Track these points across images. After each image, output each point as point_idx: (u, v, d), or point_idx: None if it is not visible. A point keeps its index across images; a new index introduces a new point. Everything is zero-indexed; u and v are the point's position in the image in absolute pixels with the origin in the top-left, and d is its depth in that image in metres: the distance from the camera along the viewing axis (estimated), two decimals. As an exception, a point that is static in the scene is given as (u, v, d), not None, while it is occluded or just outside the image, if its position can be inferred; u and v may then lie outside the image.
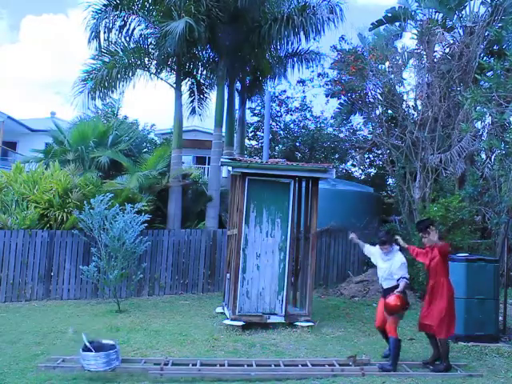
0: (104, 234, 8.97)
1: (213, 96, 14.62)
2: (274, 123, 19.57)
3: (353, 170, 20.64)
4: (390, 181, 17.57)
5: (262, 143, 18.54)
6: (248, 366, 5.54)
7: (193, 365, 5.49)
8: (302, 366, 5.64)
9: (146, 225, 9.47)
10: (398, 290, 5.66)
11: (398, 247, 6.08)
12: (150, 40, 13.03)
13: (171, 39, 10.98)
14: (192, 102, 14.84)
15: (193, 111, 14.95)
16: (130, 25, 12.50)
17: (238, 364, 5.61)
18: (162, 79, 13.56)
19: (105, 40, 12.21)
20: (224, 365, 5.55)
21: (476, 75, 10.09)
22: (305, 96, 19.80)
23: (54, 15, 75.55)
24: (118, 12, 12.12)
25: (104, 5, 12.00)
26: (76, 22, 63.90)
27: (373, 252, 6.28)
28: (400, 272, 5.80)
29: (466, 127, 9.17)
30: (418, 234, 6.48)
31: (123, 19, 12.33)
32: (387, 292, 5.83)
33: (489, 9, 11.48)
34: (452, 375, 5.56)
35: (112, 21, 12.11)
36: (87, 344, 5.21)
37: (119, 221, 8.94)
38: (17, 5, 72.57)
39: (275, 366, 5.58)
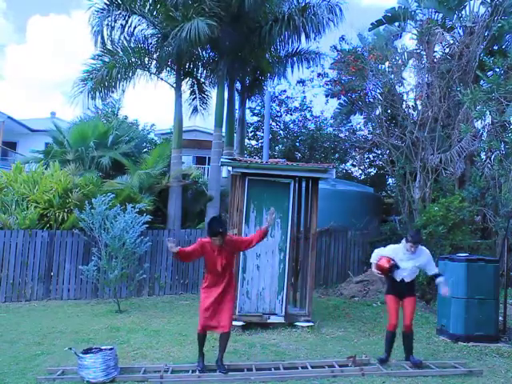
0: (105, 234, 8.97)
1: (214, 95, 14.66)
2: (273, 123, 19.58)
3: (353, 170, 20.67)
4: (390, 181, 17.59)
5: (262, 143, 18.55)
6: (248, 370, 5.50)
7: (193, 371, 5.46)
8: (302, 368, 5.62)
9: (146, 225, 9.48)
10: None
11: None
12: (150, 40, 13.05)
13: (179, 40, 10.99)
14: (193, 100, 14.84)
15: (195, 110, 14.96)
16: (131, 24, 12.51)
17: (238, 369, 5.56)
18: (162, 79, 13.58)
19: (107, 39, 12.19)
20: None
21: (477, 72, 10.09)
22: (305, 96, 19.84)
23: (56, 15, 75.69)
24: (119, 11, 12.13)
25: (106, 4, 12.00)
26: (78, 22, 64.18)
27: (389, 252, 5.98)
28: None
29: (465, 128, 9.17)
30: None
31: (124, 18, 12.34)
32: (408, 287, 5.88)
33: (489, 9, 11.48)
34: (452, 371, 5.56)
35: (114, 20, 12.12)
36: (79, 354, 5.20)
37: (120, 221, 8.95)
38: (22, 5, 72.69)
39: (275, 369, 5.55)
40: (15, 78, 65.62)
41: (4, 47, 70.26)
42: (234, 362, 5.81)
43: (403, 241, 5.90)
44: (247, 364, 5.71)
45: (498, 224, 9.86)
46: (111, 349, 5.36)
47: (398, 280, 5.84)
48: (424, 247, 6.03)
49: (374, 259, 6.01)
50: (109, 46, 12.57)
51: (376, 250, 6.12)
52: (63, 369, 5.46)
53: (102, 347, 5.42)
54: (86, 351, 5.29)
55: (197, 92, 14.72)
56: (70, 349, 5.51)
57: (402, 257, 5.82)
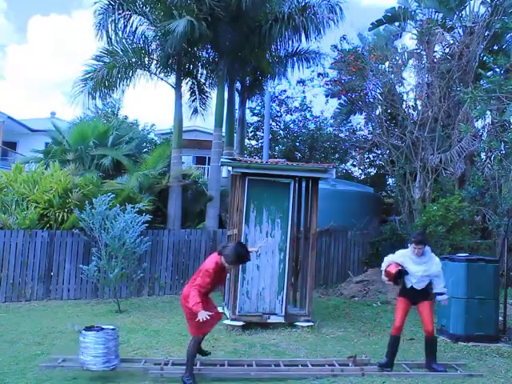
0: (105, 234, 8.97)
1: (214, 95, 14.65)
2: (273, 123, 19.57)
3: (353, 170, 20.67)
4: (390, 181, 17.58)
5: (262, 143, 18.54)
6: (248, 365, 5.52)
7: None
8: (302, 366, 5.63)
9: (146, 225, 9.49)
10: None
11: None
12: (150, 40, 13.05)
13: (172, 38, 10.97)
14: (193, 101, 14.83)
15: (195, 110, 14.94)
16: (132, 24, 12.53)
17: (238, 364, 5.60)
18: (162, 79, 13.58)
19: (111, 35, 12.17)
20: (224, 365, 5.54)
21: (479, 70, 10.07)
22: (305, 96, 19.83)
23: (57, 15, 75.69)
24: (121, 10, 12.13)
25: (111, 3, 12.01)
26: (79, 22, 64.14)
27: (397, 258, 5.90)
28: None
29: (465, 128, 9.17)
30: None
31: (126, 18, 12.34)
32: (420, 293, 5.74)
33: (489, 9, 11.49)
34: (452, 375, 5.53)
35: (116, 19, 12.12)
36: (81, 330, 5.17)
37: (120, 220, 8.95)
38: (22, 5, 72.64)
39: (275, 366, 5.57)
40: (16, 78, 65.60)
41: (5, 47, 70.26)
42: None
43: (409, 244, 5.81)
44: (247, 360, 5.73)
45: (493, 222, 9.84)
46: (113, 329, 5.31)
47: (408, 287, 5.75)
48: (435, 256, 5.87)
49: (384, 266, 5.89)
50: (110, 46, 12.57)
51: (386, 257, 5.99)
52: (64, 357, 5.50)
53: (104, 326, 5.38)
54: (88, 329, 5.24)
55: (197, 92, 14.71)
56: (73, 326, 5.47)
57: (410, 261, 5.73)
